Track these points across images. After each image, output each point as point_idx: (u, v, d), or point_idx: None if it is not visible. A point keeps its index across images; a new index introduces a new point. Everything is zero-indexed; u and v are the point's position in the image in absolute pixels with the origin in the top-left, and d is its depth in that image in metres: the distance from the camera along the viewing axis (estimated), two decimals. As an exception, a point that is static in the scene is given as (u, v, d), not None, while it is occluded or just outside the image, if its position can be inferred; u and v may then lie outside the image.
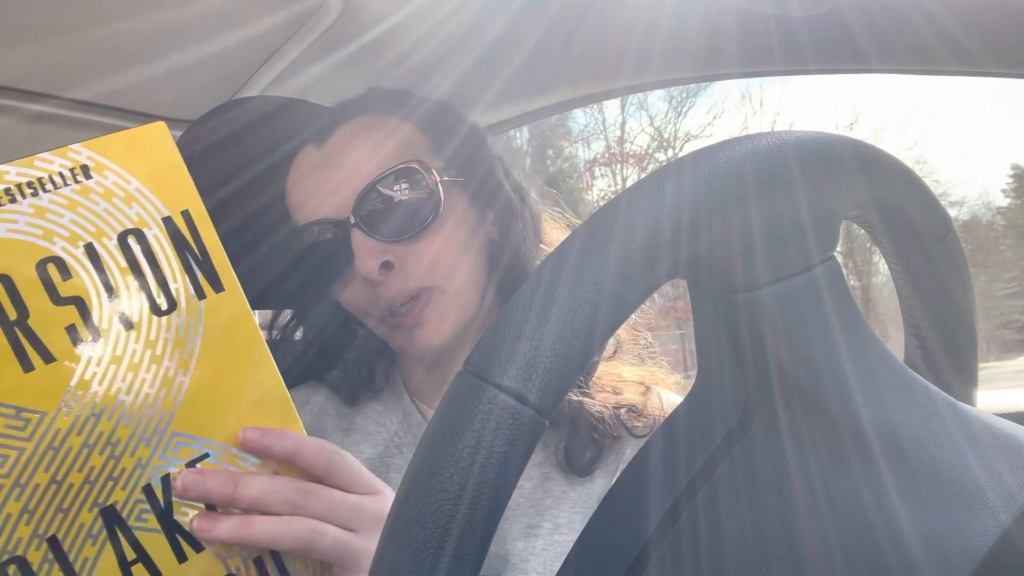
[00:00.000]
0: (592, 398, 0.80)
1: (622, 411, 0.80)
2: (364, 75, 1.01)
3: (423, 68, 0.99)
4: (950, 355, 0.46)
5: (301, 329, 0.92)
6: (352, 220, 0.75)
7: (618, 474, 0.79)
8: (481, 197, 0.82)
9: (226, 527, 0.47)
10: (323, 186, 0.77)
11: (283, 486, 0.49)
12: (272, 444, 0.49)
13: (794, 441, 0.35)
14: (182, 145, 0.86)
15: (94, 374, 0.46)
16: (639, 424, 0.80)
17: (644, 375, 0.85)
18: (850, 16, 0.76)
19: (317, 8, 0.88)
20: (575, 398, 0.78)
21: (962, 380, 0.47)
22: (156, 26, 0.82)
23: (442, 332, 0.77)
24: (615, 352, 0.85)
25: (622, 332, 0.85)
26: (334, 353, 0.89)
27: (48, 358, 0.45)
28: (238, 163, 0.84)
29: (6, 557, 0.43)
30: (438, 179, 0.77)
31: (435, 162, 0.79)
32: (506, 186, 0.84)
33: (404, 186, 0.76)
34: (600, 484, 0.79)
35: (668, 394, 0.86)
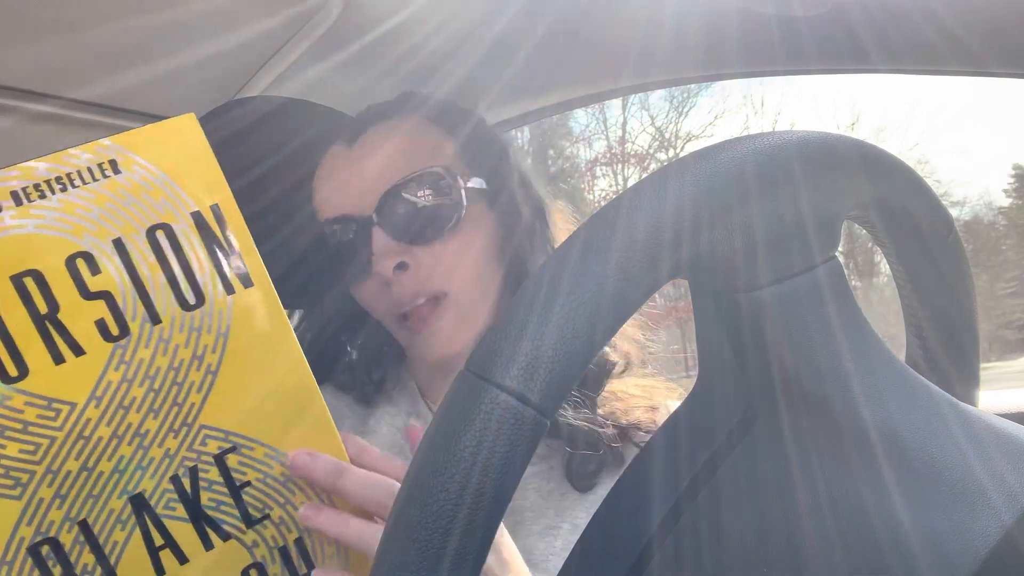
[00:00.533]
0: (603, 417, 0.80)
1: (630, 430, 0.80)
2: (365, 76, 1.01)
3: (425, 68, 0.99)
4: (952, 355, 0.46)
5: (308, 328, 0.92)
6: (374, 219, 0.76)
7: None
8: (501, 211, 0.82)
9: (327, 517, 0.50)
10: (349, 184, 0.78)
11: (383, 488, 0.51)
12: (318, 471, 0.50)
13: (796, 441, 0.35)
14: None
15: (123, 367, 0.47)
16: (646, 441, 0.81)
17: (651, 391, 0.85)
18: (852, 16, 0.76)
19: (318, 9, 0.88)
20: (584, 418, 0.78)
21: (964, 380, 0.47)
22: (156, 26, 0.82)
23: (457, 340, 0.78)
24: (625, 370, 0.85)
25: (632, 349, 0.85)
26: (342, 354, 0.89)
27: (78, 351, 0.46)
28: (239, 164, 0.84)
29: (39, 538, 0.45)
30: (463, 186, 0.78)
31: (460, 168, 0.79)
32: (517, 197, 0.84)
33: (429, 190, 0.77)
34: None
35: (674, 405, 0.86)
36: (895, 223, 0.41)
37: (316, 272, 0.82)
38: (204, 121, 0.87)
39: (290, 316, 0.93)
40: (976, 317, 0.46)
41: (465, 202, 0.77)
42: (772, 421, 0.35)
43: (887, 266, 0.45)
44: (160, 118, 1.07)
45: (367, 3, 0.88)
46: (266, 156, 0.85)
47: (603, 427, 0.78)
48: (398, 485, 0.51)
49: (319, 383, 0.88)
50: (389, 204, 0.76)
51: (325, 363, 0.88)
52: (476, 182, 0.80)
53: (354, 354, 0.89)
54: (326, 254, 0.82)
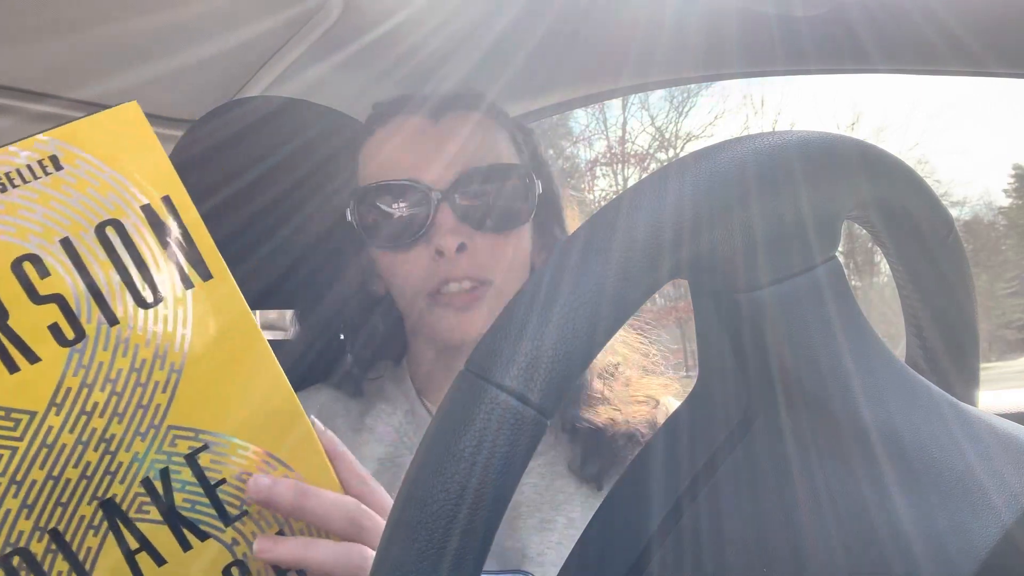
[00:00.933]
0: (603, 415, 0.80)
1: (633, 430, 0.80)
2: (365, 76, 1.01)
3: (425, 69, 0.99)
4: (952, 355, 0.46)
5: (306, 327, 0.92)
6: (448, 194, 0.76)
7: None
8: (547, 214, 0.85)
9: (289, 547, 0.48)
10: (430, 155, 0.79)
11: (348, 506, 0.49)
12: (280, 496, 0.48)
13: (796, 441, 0.35)
14: (184, 146, 0.87)
15: (82, 372, 0.45)
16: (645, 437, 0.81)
17: (646, 387, 0.85)
18: (852, 16, 0.76)
19: (318, 9, 0.88)
20: (593, 420, 0.79)
21: (964, 380, 0.47)
22: (157, 26, 0.82)
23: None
24: (627, 385, 0.85)
25: (629, 373, 0.86)
26: (340, 354, 0.89)
27: (32, 358, 0.44)
28: (239, 164, 0.84)
29: (9, 549, 0.44)
30: (539, 190, 0.80)
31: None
32: (557, 210, 0.86)
33: (504, 183, 0.78)
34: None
35: (671, 401, 0.87)
36: (895, 223, 0.41)
37: (316, 271, 0.81)
38: (204, 121, 0.88)
39: (288, 316, 0.93)
40: (976, 317, 0.46)
41: (536, 205, 0.80)
42: (772, 421, 0.35)
43: (887, 266, 0.45)
44: (161, 118, 1.07)
45: (367, 3, 0.88)
46: (266, 156, 0.85)
47: (604, 427, 0.78)
48: (362, 505, 0.50)
49: (317, 382, 0.89)
50: (464, 184, 0.77)
51: (323, 362, 0.88)
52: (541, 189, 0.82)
53: (351, 354, 0.89)
54: (325, 253, 0.81)
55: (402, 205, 0.78)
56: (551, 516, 0.77)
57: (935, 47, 0.76)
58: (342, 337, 0.90)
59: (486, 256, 0.77)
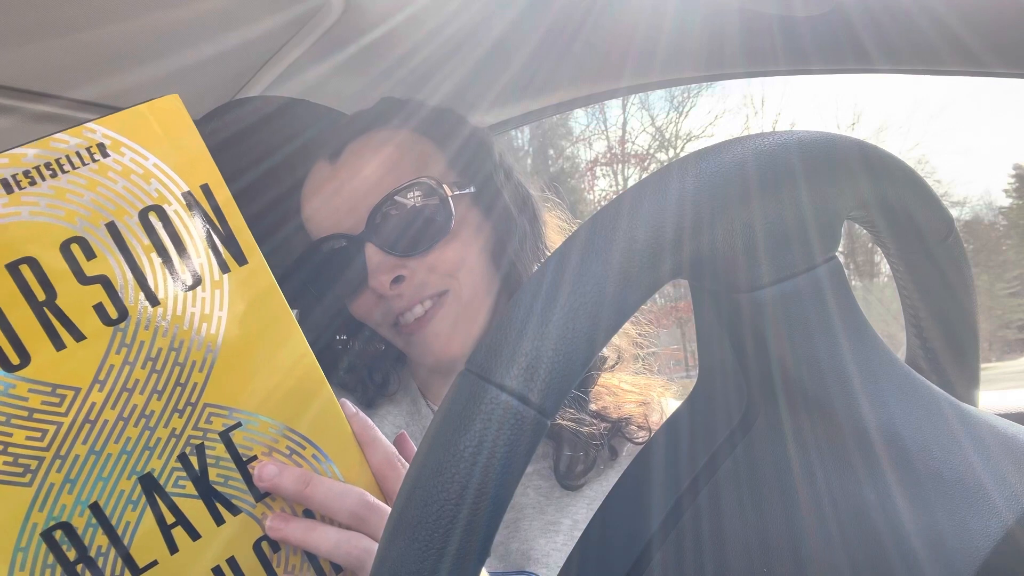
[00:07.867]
0: (591, 412, 0.80)
1: (622, 423, 0.80)
2: (366, 76, 1.01)
3: (425, 69, 0.99)
4: (952, 355, 0.46)
5: (307, 327, 0.92)
6: (366, 236, 0.76)
7: None
8: (492, 214, 0.83)
9: (294, 528, 0.50)
10: (336, 201, 0.78)
11: (351, 497, 0.50)
12: (284, 482, 0.49)
13: (797, 441, 0.35)
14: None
15: (124, 350, 0.47)
16: (641, 435, 0.81)
17: (644, 386, 0.85)
18: (853, 16, 0.76)
19: (318, 9, 0.88)
20: (575, 415, 0.78)
21: (964, 380, 0.47)
22: (157, 26, 0.82)
23: (455, 342, 0.78)
24: (616, 364, 0.85)
25: (623, 343, 0.86)
26: (343, 355, 0.89)
27: (78, 336, 0.46)
28: (239, 164, 0.84)
29: (52, 523, 0.46)
30: (449, 194, 0.78)
31: (446, 174, 0.80)
32: (505, 195, 0.84)
33: (416, 202, 0.77)
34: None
35: (670, 402, 0.86)
36: (895, 223, 0.41)
37: (317, 272, 0.82)
38: (204, 121, 0.88)
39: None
40: (976, 317, 0.46)
41: (454, 211, 0.78)
42: (773, 421, 0.35)
43: (887, 266, 0.45)
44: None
45: (367, 4, 0.88)
46: (266, 156, 0.85)
47: (591, 425, 0.78)
48: (367, 494, 0.51)
49: None
50: (378, 220, 0.76)
51: (326, 363, 0.88)
52: (464, 188, 0.80)
53: (355, 355, 0.89)
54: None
55: (333, 258, 0.78)
56: (556, 518, 0.77)
57: (935, 47, 0.76)
58: (346, 338, 0.90)
59: (427, 275, 0.77)
